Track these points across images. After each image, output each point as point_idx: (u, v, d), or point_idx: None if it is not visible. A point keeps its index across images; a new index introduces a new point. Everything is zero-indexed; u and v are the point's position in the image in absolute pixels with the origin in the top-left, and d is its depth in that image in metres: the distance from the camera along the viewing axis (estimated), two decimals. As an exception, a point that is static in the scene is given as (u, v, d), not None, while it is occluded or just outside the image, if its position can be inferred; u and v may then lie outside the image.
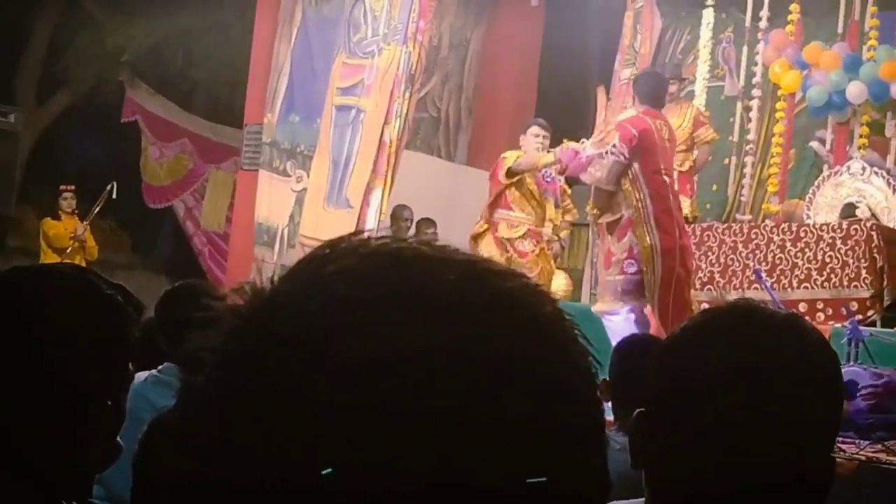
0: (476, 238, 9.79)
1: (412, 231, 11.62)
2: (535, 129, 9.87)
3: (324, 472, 0.72)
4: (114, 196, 13.06)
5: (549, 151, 9.63)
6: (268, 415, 0.74)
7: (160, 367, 4.07)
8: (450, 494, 0.72)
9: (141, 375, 3.87)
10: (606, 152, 8.09)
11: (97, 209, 13.17)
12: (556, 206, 10.03)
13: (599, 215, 8.39)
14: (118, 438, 1.86)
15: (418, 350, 0.74)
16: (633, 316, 8.14)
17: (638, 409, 1.66)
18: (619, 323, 8.04)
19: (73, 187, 13.41)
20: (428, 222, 11.49)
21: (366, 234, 0.83)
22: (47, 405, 1.75)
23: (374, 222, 10.83)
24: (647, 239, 8.10)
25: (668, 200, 8.21)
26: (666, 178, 8.24)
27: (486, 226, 9.82)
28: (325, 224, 11.20)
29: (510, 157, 9.79)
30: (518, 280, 0.81)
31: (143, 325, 2.12)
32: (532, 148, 9.77)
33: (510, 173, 9.72)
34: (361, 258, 0.80)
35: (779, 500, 1.59)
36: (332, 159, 11.36)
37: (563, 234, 10.40)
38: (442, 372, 0.74)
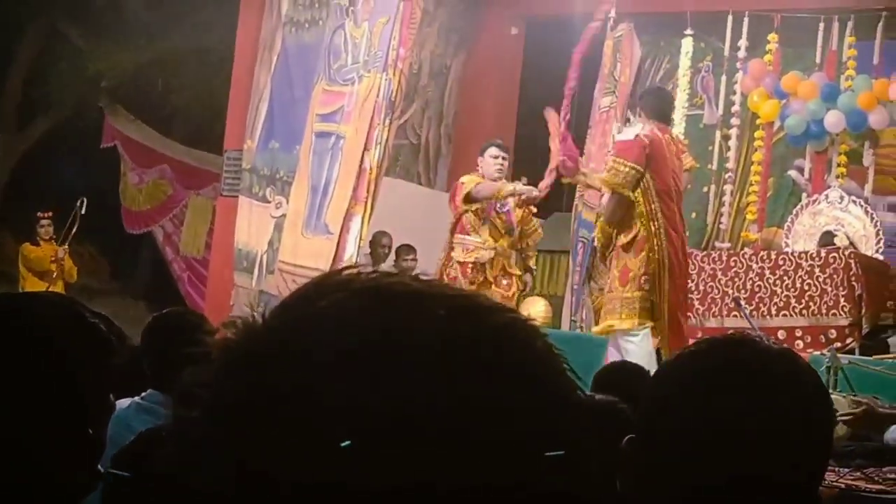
0: (442, 272, 9.53)
1: (391, 257, 11.61)
2: (493, 151, 9.61)
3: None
4: (83, 212, 12.94)
5: (513, 182, 9.61)
6: (258, 451, 0.75)
7: (143, 395, 4.06)
8: None
9: (123, 402, 3.85)
10: (622, 164, 8.16)
11: (74, 229, 13.06)
12: (510, 234, 9.80)
13: (616, 234, 8.35)
14: (99, 466, 1.85)
15: (408, 388, 0.75)
16: (650, 337, 8.13)
17: (629, 436, 1.66)
18: (638, 344, 8.04)
19: (50, 214, 13.36)
20: (408, 248, 11.48)
21: (356, 269, 0.83)
22: (27, 433, 1.74)
23: (354, 249, 10.81)
24: (657, 254, 8.09)
25: (675, 217, 8.26)
26: (674, 194, 8.28)
27: (446, 257, 9.63)
28: (304, 250, 11.18)
29: (468, 183, 9.50)
30: (508, 315, 0.81)
31: (126, 352, 2.12)
32: (492, 170, 9.51)
33: (468, 199, 9.46)
34: (352, 294, 0.80)
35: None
36: (312, 185, 11.35)
37: (532, 262, 10.24)
38: (431, 406, 0.75)
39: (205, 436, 0.78)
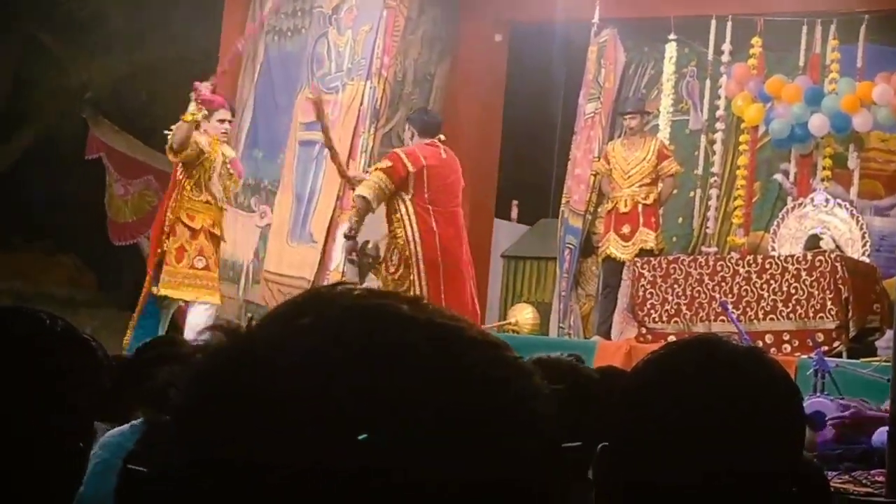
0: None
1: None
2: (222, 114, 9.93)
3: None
4: None
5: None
6: (223, 466, 0.75)
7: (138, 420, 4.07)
8: None
9: (120, 428, 3.85)
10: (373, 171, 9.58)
11: None
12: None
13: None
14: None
15: (381, 418, 0.75)
16: None
17: (601, 444, 1.65)
18: None
19: None
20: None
21: (348, 285, 0.82)
22: (17, 447, 1.73)
23: (341, 258, 10.80)
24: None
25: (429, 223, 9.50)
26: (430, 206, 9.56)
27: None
28: (289, 259, 11.17)
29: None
30: (493, 351, 0.81)
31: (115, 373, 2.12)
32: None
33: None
34: (343, 310, 0.80)
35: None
36: (296, 194, 11.33)
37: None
38: (395, 442, 0.75)
39: (170, 444, 0.78)
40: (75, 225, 16.45)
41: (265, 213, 11.86)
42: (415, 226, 9.51)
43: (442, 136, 10.01)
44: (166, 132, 9.87)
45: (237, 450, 0.75)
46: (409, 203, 9.54)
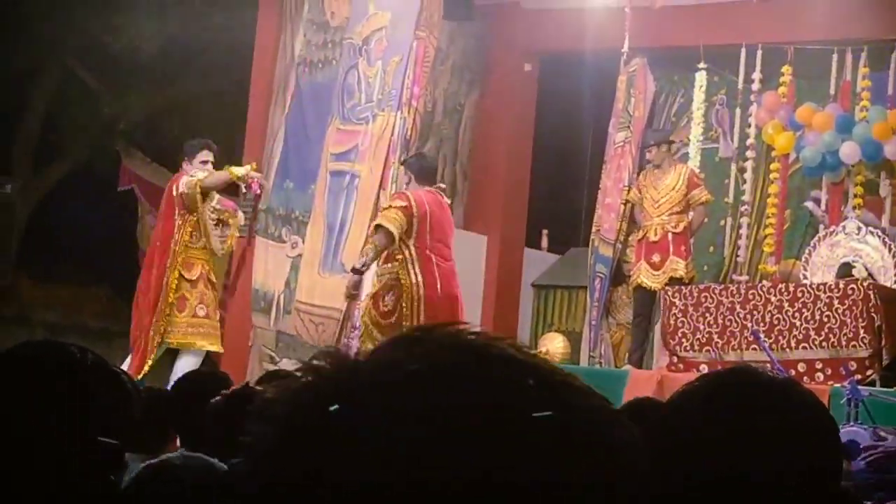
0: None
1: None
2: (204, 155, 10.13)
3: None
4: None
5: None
6: (331, 462, 0.77)
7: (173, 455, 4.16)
8: None
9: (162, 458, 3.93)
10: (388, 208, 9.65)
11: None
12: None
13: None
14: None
15: (487, 460, 0.76)
16: None
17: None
18: None
19: None
20: None
21: (461, 325, 0.83)
22: (48, 479, 1.74)
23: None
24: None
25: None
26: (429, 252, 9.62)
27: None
28: (321, 289, 11.20)
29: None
30: (595, 400, 0.81)
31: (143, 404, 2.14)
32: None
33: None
34: (452, 351, 0.81)
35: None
36: (327, 224, 11.37)
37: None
38: (499, 482, 0.76)
39: (281, 446, 0.80)
40: (108, 256, 16.53)
41: (296, 243, 11.90)
42: (418, 271, 9.56)
43: (443, 185, 10.13)
44: (196, 174, 9.89)
45: (324, 480, 0.76)
46: (412, 248, 9.59)
